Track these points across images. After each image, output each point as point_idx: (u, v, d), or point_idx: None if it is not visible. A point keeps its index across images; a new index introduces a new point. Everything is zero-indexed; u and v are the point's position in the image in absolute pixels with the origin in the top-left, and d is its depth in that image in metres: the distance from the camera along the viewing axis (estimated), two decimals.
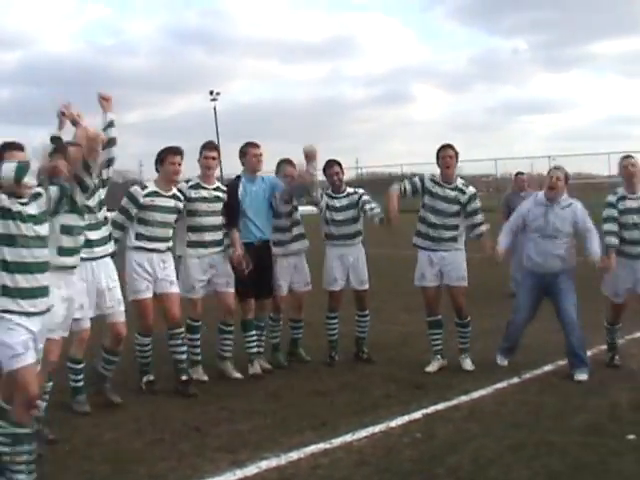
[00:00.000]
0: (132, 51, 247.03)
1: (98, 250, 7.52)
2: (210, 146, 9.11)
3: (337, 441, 6.67)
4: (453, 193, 9.24)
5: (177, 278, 8.61)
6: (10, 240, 5.58)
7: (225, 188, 9.07)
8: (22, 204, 5.66)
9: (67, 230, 6.59)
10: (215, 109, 79.61)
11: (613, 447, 6.38)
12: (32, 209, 5.73)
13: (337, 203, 9.62)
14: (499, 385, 8.39)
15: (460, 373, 8.94)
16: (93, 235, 7.42)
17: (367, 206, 9.50)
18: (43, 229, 5.82)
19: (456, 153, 9.37)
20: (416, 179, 9.57)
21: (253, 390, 8.39)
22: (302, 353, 9.89)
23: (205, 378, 8.79)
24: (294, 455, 6.34)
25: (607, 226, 8.83)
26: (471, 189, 9.38)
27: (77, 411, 7.57)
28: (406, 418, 7.32)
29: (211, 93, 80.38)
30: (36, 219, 5.74)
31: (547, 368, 9.06)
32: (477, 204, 9.35)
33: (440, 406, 7.70)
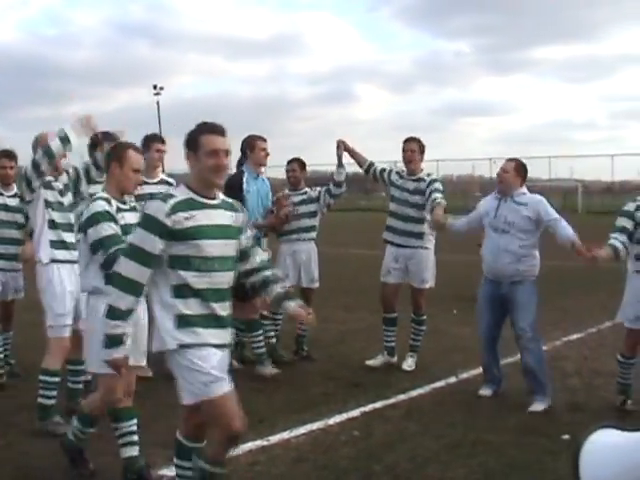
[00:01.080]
0: (76, 43, 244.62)
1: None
2: (158, 139, 8.97)
3: (275, 438, 6.67)
4: (414, 184, 9.25)
5: None
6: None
7: (171, 180, 8.95)
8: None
9: None
10: (158, 104, 79.12)
11: (548, 447, 6.47)
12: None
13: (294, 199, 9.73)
14: (437, 384, 8.46)
15: (398, 372, 9.00)
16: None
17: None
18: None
19: (420, 147, 9.32)
20: (385, 167, 9.84)
21: None
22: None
23: (150, 374, 8.73)
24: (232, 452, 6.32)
25: (614, 236, 7.46)
26: (431, 177, 9.36)
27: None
28: (344, 416, 7.35)
29: (155, 87, 79.86)
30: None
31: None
32: (438, 186, 9.15)
33: (378, 404, 7.74)
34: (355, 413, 7.45)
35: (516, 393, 7.98)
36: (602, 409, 7.54)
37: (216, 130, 4.78)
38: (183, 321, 4.67)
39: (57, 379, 7.01)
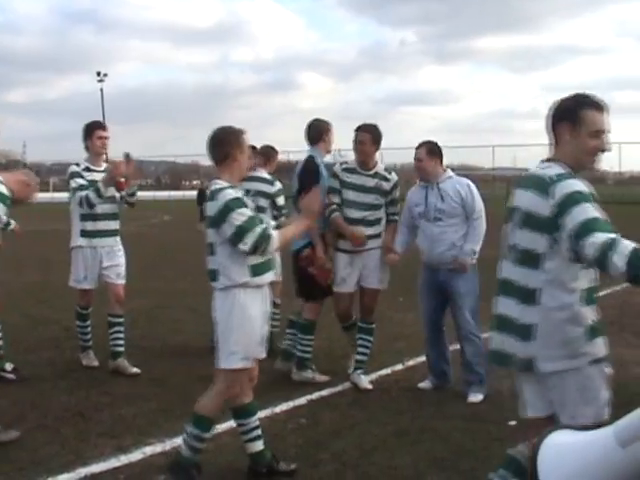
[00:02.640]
0: (18, 29, 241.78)
1: None
2: (101, 126, 8.79)
3: (222, 427, 6.59)
4: (373, 180, 8.07)
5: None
6: None
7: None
8: None
9: None
10: (102, 90, 78.44)
11: (495, 433, 6.51)
12: None
13: None
14: (383, 372, 8.49)
15: (345, 359, 8.95)
16: None
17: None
18: None
19: (374, 136, 8.05)
20: (333, 181, 8.09)
21: (135, 375, 8.26)
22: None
23: (96, 363, 8.63)
24: (178, 440, 6.20)
25: None
26: (394, 176, 8.25)
27: None
28: (291, 404, 7.36)
29: (98, 74, 79.27)
30: None
31: None
32: (397, 194, 8.27)
33: (325, 392, 7.75)
34: (302, 401, 7.45)
35: (461, 381, 7.98)
36: None
37: (602, 107, 4.26)
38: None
39: None
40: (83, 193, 8.17)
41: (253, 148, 9.79)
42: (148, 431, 6.49)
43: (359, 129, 8.03)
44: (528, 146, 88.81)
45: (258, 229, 5.24)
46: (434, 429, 6.62)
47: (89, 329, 8.82)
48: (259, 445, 5.73)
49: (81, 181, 8.30)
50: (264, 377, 7.92)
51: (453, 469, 5.76)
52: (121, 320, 8.73)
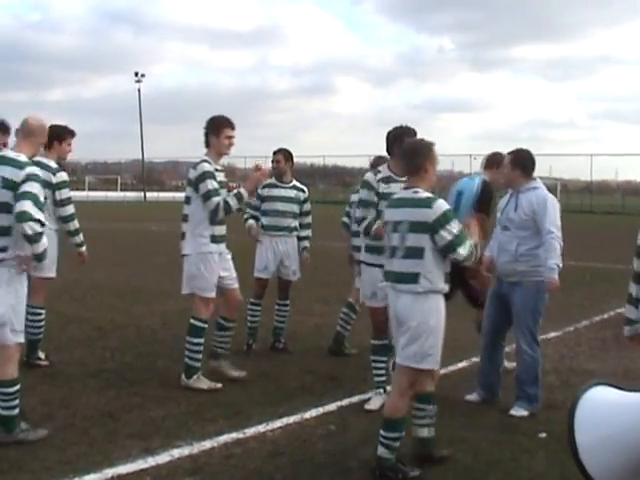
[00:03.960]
0: (58, 28, 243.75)
1: None
2: (232, 124, 8.20)
3: (250, 431, 6.62)
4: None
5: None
6: None
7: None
8: None
9: None
10: (139, 91, 79.03)
11: (525, 445, 6.46)
12: None
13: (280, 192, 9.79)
14: None
15: None
16: None
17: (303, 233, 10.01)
18: None
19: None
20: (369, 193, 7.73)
21: (166, 376, 8.26)
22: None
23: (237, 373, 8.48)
24: (207, 444, 6.27)
25: None
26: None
27: None
28: (320, 410, 7.31)
29: (136, 75, 79.98)
30: None
31: (461, 365, 9.13)
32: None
33: (355, 399, 7.70)
34: (332, 407, 7.41)
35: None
36: None
37: None
38: None
39: None
40: (220, 199, 7.86)
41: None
42: (177, 434, 6.47)
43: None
44: (565, 156, 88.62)
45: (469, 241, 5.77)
46: (464, 439, 6.56)
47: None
48: (431, 432, 6.13)
49: (215, 184, 7.87)
50: (293, 383, 7.97)
51: None
52: (234, 325, 8.52)
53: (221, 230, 8.01)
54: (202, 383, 7.92)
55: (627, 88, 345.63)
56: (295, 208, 9.82)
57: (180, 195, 71.46)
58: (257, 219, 9.75)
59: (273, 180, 9.76)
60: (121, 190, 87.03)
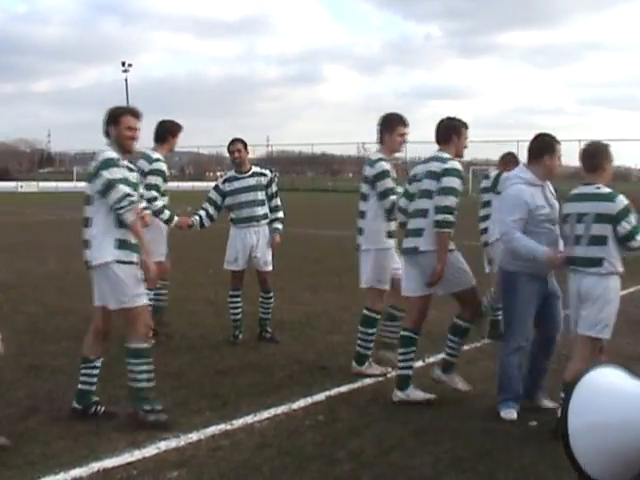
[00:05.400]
0: (45, 19, 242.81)
1: None
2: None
3: (238, 422, 6.55)
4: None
5: None
6: None
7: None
8: None
9: None
10: (126, 81, 78.89)
11: (515, 433, 6.41)
12: None
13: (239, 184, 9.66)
14: None
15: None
16: None
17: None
18: None
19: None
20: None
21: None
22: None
23: None
24: (194, 436, 6.19)
25: None
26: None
27: None
28: (309, 400, 7.25)
29: (123, 64, 79.76)
30: None
31: None
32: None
33: (344, 388, 7.64)
34: (320, 397, 7.34)
35: (483, 378, 7.87)
36: None
37: None
38: None
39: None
40: (396, 197, 7.87)
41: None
42: (163, 426, 6.39)
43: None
44: None
45: None
46: (454, 429, 6.50)
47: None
48: None
49: (391, 183, 8.02)
50: (281, 373, 7.90)
51: (472, 470, 5.64)
52: (403, 314, 8.19)
53: (394, 226, 8.12)
54: (374, 369, 8.20)
55: (615, 74, 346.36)
56: (259, 195, 9.62)
57: (170, 185, 71.42)
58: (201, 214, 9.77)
59: (232, 173, 9.69)
60: None
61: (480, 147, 60.26)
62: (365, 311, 8.23)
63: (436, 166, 7.24)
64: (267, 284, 9.74)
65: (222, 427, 6.43)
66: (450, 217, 7.08)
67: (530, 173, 6.88)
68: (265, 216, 9.67)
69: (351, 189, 74.11)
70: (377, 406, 7.12)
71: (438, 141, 7.51)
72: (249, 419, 6.65)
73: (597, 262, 6.40)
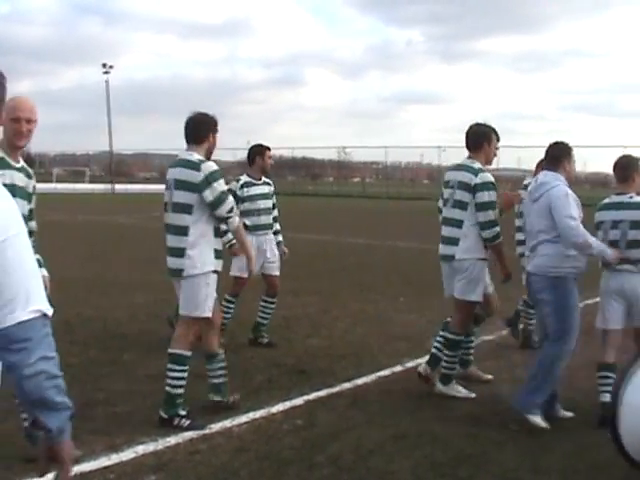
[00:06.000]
0: (27, 19, 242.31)
1: None
2: None
3: (217, 426, 6.52)
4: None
5: None
6: None
7: None
8: None
9: None
10: (107, 82, 78.68)
11: (495, 437, 6.40)
12: None
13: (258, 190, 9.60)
14: (382, 373, 8.35)
15: (344, 359, 8.88)
16: None
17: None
18: None
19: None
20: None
21: (132, 370, 8.15)
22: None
23: None
24: (172, 440, 6.15)
25: None
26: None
27: None
28: (287, 404, 7.22)
29: (104, 66, 79.48)
30: None
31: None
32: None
33: (322, 393, 7.61)
34: (299, 401, 7.31)
35: (462, 384, 7.84)
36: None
37: None
38: None
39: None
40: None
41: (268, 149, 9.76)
42: (142, 429, 6.34)
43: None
44: (533, 148, 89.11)
45: None
46: (433, 433, 6.49)
47: None
48: (606, 397, 6.70)
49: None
50: (260, 377, 7.88)
51: (451, 475, 5.63)
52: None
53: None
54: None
55: (596, 80, 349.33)
56: (270, 203, 9.68)
57: (150, 187, 70.99)
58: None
59: (248, 178, 9.55)
60: (89, 182, 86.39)
61: (463, 152, 60.52)
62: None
63: (468, 177, 7.46)
64: (277, 288, 9.81)
65: (200, 431, 6.39)
66: (496, 229, 7.42)
67: (563, 178, 6.98)
68: (272, 226, 9.74)
69: (331, 193, 74.36)
70: (356, 410, 7.10)
71: (468, 147, 7.71)
72: (227, 423, 6.62)
73: (637, 263, 6.90)
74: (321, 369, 8.38)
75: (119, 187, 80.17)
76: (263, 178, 9.71)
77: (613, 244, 6.94)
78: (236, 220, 6.83)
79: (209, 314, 6.78)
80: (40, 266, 5.85)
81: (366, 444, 6.21)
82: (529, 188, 7.24)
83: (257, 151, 9.60)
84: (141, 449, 5.95)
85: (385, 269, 17.35)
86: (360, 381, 8.03)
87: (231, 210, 6.70)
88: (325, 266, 10.06)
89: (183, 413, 6.61)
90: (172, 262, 6.88)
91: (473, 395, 7.60)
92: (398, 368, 8.54)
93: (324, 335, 9.74)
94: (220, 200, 6.57)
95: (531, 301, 7.50)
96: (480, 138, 7.65)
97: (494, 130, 7.75)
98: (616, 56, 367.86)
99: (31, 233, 5.66)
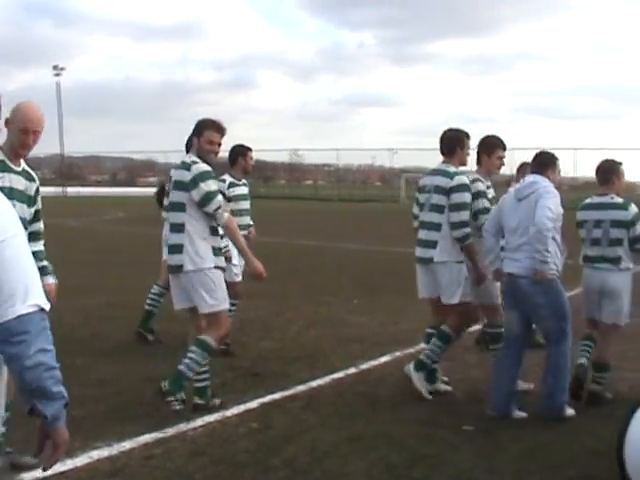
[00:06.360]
0: None
1: None
2: None
3: (171, 430, 6.48)
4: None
5: None
6: None
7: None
8: None
9: None
10: (58, 84, 78.04)
11: (450, 439, 6.42)
12: None
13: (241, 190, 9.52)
14: (336, 375, 8.37)
15: (297, 362, 8.89)
16: None
17: None
18: None
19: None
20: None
21: (85, 375, 8.07)
22: None
23: None
24: (126, 445, 6.11)
25: None
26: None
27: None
28: (242, 407, 7.20)
29: (55, 68, 78.81)
30: None
31: (384, 359, 9.09)
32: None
33: (277, 395, 7.61)
34: (253, 404, 7.30)
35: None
36: None
37: None
38: None
39: None
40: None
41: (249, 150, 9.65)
42: (96, 434, 6.29)
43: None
44: None
45: None
46: (388, 434, 6.51)
47: None
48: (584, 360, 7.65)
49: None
50: (214, 380, 7.83)
51: (406, 476, 5.64)
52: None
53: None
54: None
55: (547, 84, 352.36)
56: (249, 205, 9.59)
57: (102, 190, 70.65)
58: None
59: (231, 178, 9.37)
60: (40, 185, 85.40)
61: (414, 155, 60.92)
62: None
63: (444, 182, 7.66)
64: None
65: (155, 435, 6.34)
66: (466, 230, 7.58)
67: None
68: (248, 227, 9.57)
69: (283, 195, 74.29)
70: (310, 413, 7.11)
71: (443, 152, 7.92)
72: (182, 427, 6.59)
73: (617, 260, 7.46)
74: (275, 372, 8.38)
75: (71, 190, 79.53)
76: (242, 179, 9.58)
77: (595, 242, 7.56)
78: (225, 215, 6.95)
79: (215, 309, 7.01)
80: (48, 273, 6.17)
81: (321, 446, 6.22)
82: (515, 187, 7.37)
83: (239, 151, 9.47)
84: (96, 454, 5.90)
85: (337, 271, 17.39)
86: (314, 383, 8.04)
87: (218, 208, 6.88)
88: (277, 268, 10.09)
89: (181, 397, 6.97)
90: (172, 259, 7.09)
91: (429, 397, 7.63)
92: (352, 370, 8.56)
93: (277, 338, 9.74)
94: (206, 199, 6.84)
95: (509, 303, 7.41)
96: (453, 143, 7.86)
97: (466, 134, 7.95)
98: (567, 59, 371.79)
99: (39, 234, 6.39)
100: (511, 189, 7.53)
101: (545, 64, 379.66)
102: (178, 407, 6.92)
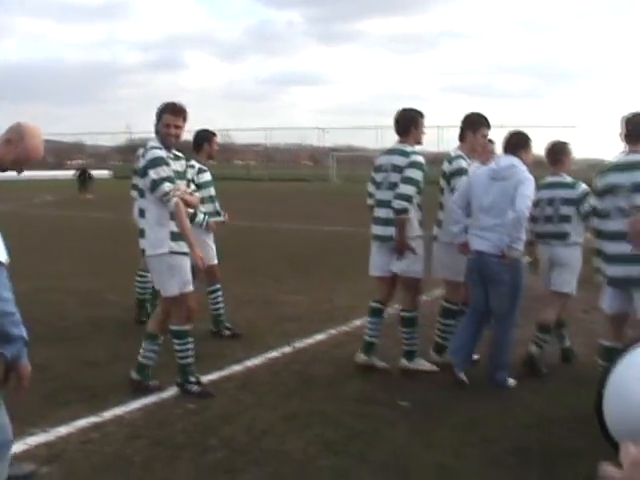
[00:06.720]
0: None
1: None
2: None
3: (108, 414, 6.47)
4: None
5: None
6: None
7: None
8: None
9: None
10: None
11: (386, 415, 6.53)
12: None
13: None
14: (272, 354, 8.42)
15: (232, 342, 8.93)
16: None
17: None
18: None
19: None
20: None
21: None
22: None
23: None
24: (63, 430, 6.09)
25: None
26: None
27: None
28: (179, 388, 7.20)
29: None
30: None
31: (319, 337, 9.16)
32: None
33: (213, 376, 7.64)
34: None
35: (351, 363, 7.96)
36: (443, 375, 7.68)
37: None
38: None
39: None
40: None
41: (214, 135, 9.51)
42: (31, 421, 6.22)
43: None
44: None
45: None
46: (324, 412, 6.58)
47: None
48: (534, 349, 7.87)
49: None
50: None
51: (344, 452, 5.73)
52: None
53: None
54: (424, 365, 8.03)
55: (472, 62, 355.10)
56: (213, 191, 9.39)
57: (29, 174, 69.63)
58: None
59: (198, 164, 9.16)
60: None
61: (343, 133, 61.01)
62: (445, 303, 8.28)
63: (401, 160, 7.75)
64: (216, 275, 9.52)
65: (92, 420, 6.33)
66: (406, 204, 7.61)
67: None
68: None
69: (216, 176, 73.58)
70: (247, 393, 7.15)
71: (398, 132, 7.99)
72: (119, 410, 6.58)
73: (565, 236, 7.88)
74: (211, 352, 8.38)
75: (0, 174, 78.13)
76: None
77: (548, 219, 7.96)
78: (172, 201, 6.82)
79: (172, 293, 7.04)
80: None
81: (258, 425, 6.27)
82: (490, 166, 7.48)
83: (205, 137, 9.32)
84: (32, 440, 5.87)
85: (269, 251, 17.44)
86: (250, 363, 8.09)
87: (165, 194, 6.80)
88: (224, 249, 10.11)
89: (193, 380, 7.22)
90: (140, 243, 7.52)
91: (436, 369, 7.88)
92: (287, 349, 8.61)
93: (210, 318, 9.71)
94: (153, 186, 6.84)
95: (474, 280, 7.52)
96: (407, 122, 7.95)
97: (420, 113, 8.01)
98: (491, 38, 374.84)
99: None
100: (478, 164, 7.91)
101: (470, 42, 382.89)
102: (196, 389, 7.16)
